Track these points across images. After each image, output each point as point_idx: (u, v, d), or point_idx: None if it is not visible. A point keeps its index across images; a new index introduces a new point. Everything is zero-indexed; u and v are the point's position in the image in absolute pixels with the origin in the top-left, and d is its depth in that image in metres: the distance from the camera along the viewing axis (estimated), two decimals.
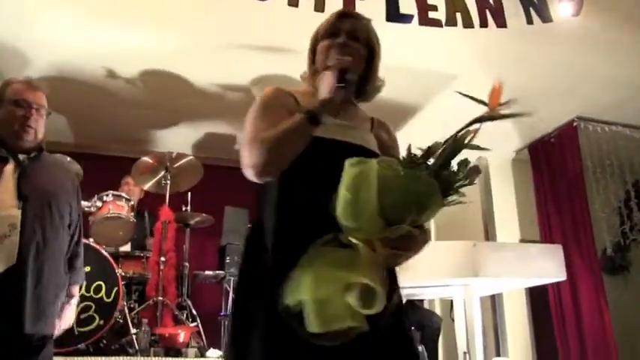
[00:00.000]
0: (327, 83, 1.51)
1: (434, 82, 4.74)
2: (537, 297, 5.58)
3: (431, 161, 1.32)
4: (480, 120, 1.34)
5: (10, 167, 2.18)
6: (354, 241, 1.27)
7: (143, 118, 5.44)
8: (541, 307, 5.51)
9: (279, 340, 1.35)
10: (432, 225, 7.00)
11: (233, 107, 5.10)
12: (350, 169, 1.29)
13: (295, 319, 1.25)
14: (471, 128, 1.34)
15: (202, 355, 3.71)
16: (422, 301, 5.88)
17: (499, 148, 5.85)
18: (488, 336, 5.72)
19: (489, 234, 5.78)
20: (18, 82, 2.36)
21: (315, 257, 1.28)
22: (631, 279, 5.81)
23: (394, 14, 3.14)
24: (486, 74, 4.58)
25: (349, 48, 1.62)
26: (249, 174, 1.49)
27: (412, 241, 1.31)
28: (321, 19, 1.74)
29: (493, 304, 5.66)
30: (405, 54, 4.12)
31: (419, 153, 1.33)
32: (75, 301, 2.52)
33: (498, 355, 5.45)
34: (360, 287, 1.23)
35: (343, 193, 1.27)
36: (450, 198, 1.31)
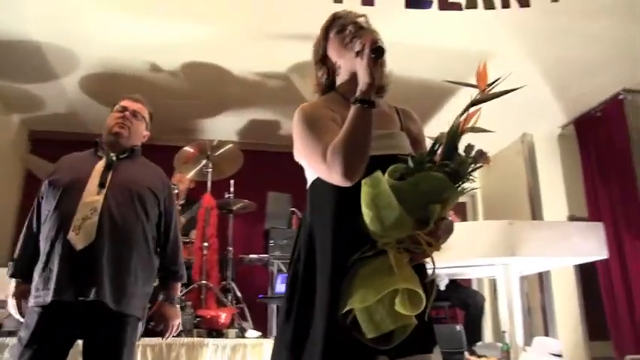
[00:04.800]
0: (365, 64, 1.50)
1: (472, 61, 4.68)
2: (587, 276, 5.46)
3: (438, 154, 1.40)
4: (473, 104, 1.39)
5: (101, 163, 2.48)
6: (385, 246, 1.38)
7: (188, 107, 5.65)
8: (591, 286, 5.39)
9: (338, 344, 1.43)
10: (479, 206, 6.98)
11: (274, 94, 5.26)
12: (365, 188, 1.37)
13: (352, 326, 1.39)
14: (471, 111, 1.40)
15: (242, 336, 3.86)
16: (469, 280, 5.91)
17: (544, 124, 5.73)
18: (536, 315, 5.67)
19: (535, 212, 5.69)
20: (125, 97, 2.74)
21: (358, 267, 1.41)
22: None
23: (413, 0, 3.13)
24: (523, 50, 4.51)
25: (364, 30, 1.68)
26: (337, 181, 1.49)
27: (438, 235, 1.41)
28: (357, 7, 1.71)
29: (541, 282, 5.61)
30: (440, 33, 4.10)
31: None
32: (174, 302, 2.71)
33: (547, 334, 5.40)
34: (405, 292, 1.36)
35: (365, 210, 1.38)
36: (465, 185, 1.38)
